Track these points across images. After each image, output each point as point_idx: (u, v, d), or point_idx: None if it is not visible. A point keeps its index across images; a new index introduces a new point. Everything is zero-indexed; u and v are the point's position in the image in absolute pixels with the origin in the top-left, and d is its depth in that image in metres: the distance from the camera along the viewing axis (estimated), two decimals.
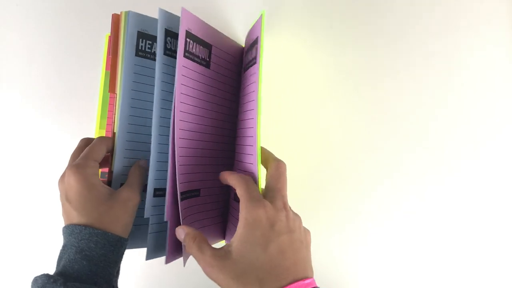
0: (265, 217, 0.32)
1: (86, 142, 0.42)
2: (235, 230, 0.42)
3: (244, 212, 0.33)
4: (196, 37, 0.40)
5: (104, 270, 0.36)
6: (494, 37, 0.53)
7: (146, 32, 0.42)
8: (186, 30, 0.38)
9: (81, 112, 0.55)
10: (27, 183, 0.56)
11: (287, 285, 0.31)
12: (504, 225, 0.52)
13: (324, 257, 0.53)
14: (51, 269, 0.36)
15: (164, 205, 0.39)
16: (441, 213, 0.53)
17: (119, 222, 0.38)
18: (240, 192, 0.34)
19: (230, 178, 0.37)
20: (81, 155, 0.39)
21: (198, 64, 0.41)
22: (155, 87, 0.40)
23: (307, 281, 0.32)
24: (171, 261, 0.40)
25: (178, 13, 0.39)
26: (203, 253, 0.33)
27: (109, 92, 0.43)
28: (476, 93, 0.53)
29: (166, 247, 0.39)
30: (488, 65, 0.53)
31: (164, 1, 0.47)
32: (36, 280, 0.34)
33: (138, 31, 0.41)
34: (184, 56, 0.38)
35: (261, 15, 0.37)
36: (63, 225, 0.38)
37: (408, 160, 0.53)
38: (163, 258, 0.41)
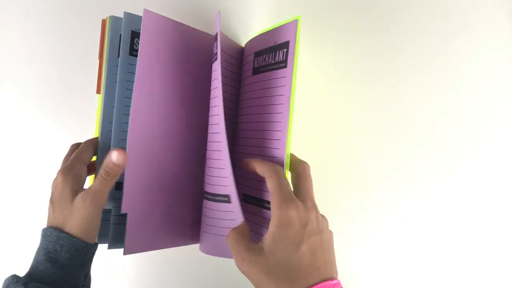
0: (297, 218, 0.33)
1: (76, 147, 0.44)
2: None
3: (277, 211, 0.33)
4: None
5: (68, 274, 0.37)
6: (494, 37, 0.53)
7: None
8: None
9: (81, 112, 0.55)
10: (27, 183, 0.56)
11: (316, 284, 0.31)
12: (504, 225, 0.52)
13: None
14: None
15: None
16: (441, 213, 0.53)
17: (80, 226, 0.38)
18: (272, 187, 0.34)
19: (261, 167, 0.36)
20: (70, 158, 0.41)
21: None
22: (118, 86, 0.41)
23: (334, 281, 0.32)
24: (130, 253, 0.41)
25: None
26: (238, 246, 0.34)
27: (96, 93, 0.44)
28: (476, 93, 0.53)
29: (125, 239, 0.40)
30: (488, 65, 0.53)
31: (163, 2, 0.47)
32: (5, 280, 0.35)
33: (121, 34, 0.43)
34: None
35: (296, 20, 0.37)
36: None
37: (408, 160, 0.53)
38: (156, 260, 0.41)
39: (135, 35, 0.42)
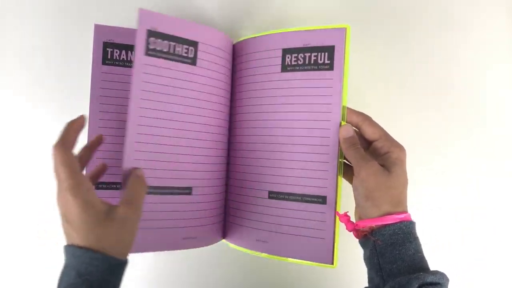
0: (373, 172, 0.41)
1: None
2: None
3: (357, 171, 0.42)
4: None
5: None
6: (494, 37, 0.53)
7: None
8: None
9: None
10: (29, 184, 0.56)
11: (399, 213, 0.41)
12: (505, 225, 0.52)
13: None
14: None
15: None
16: (441, 213, 0.53)
17: (118, 243, 0.37)
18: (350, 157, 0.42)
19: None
20: (68, 172, 0.35)
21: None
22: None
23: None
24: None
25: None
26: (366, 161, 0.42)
27: None
28: (476, 93, 0.53)
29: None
30: (488, 65, 0.53)
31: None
32: None
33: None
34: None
35: (345, 28, 0.42)
36: (65, 243, 0.37)
37: (408, 160, 0.53)
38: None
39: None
